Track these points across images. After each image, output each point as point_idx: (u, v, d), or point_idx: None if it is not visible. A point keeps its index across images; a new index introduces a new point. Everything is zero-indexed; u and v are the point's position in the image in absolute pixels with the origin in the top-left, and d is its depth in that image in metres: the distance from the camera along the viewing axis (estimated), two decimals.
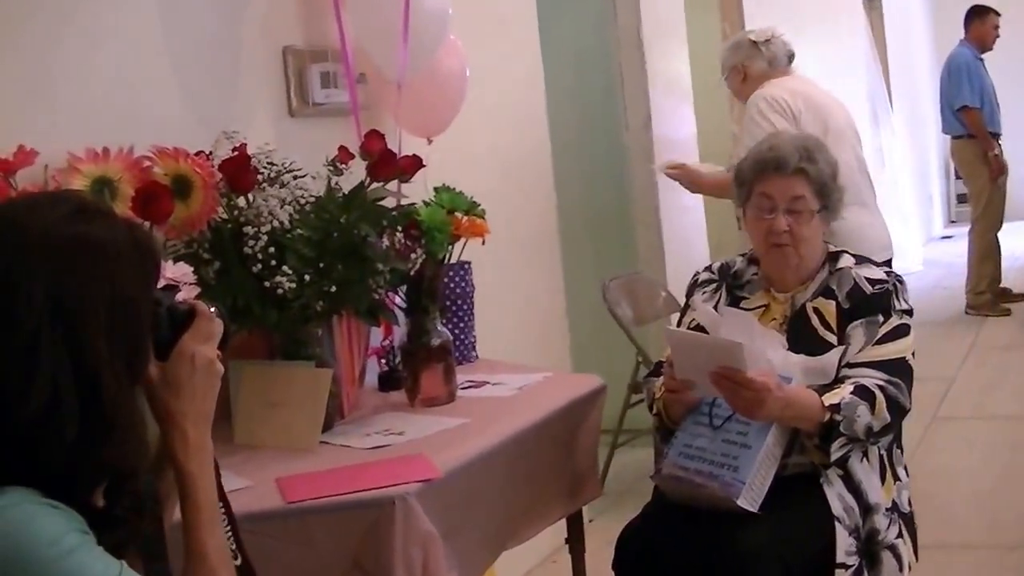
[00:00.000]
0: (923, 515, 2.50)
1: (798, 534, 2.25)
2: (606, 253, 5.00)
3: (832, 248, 2.53)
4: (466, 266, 2.79)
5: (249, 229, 2.15)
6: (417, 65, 2.84)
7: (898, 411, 2.33)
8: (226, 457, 1.89)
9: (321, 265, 2.18)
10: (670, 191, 4.53)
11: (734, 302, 2.53)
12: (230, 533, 1.44)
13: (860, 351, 2.36)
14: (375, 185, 2.38)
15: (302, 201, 2.23)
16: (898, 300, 2.41)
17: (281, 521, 1.84)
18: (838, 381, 2.34)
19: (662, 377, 2.43)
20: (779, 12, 6.88)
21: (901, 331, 2.39)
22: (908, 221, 9.70)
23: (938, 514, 3.73)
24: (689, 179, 4.10)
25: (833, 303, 2.42)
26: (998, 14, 7.55)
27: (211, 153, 2.24)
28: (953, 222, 11.96)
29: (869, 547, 2.32)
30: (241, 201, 2.22)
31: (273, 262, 2.14)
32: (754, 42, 4.00)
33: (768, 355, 2.31)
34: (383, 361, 2.68)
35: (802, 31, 7.34)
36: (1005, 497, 4.13)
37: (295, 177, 2.27)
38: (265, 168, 2.26)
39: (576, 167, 4.88)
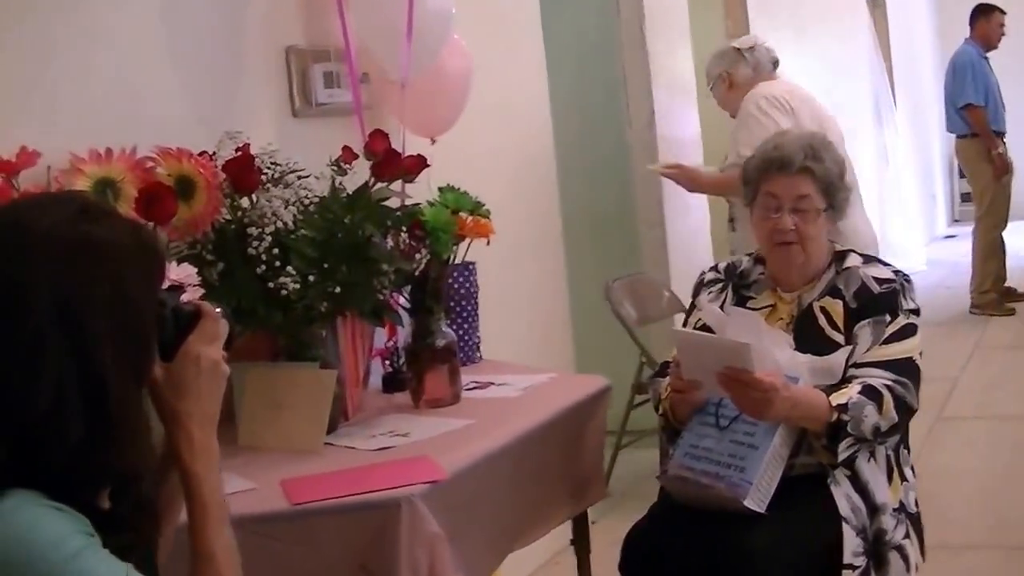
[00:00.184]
0: (926, 515, 2.49)
1: (805, 535, 2.24)
2: (609, 253, 4.99)
3: (839, 247, 2.52)
4: (471, 266, 2.78)
5: (253, 230, 2.14)
6: (421, 65, 2.83)
7: (906, 411, 2.32)
8: (229, 459, 1.88)
9: (325, 266, 2.17)
10: (674, 191, 4.52)
11: (740, 302, 2.52)
12: None
13: (867, 351, 2.35)
14: (379, 185, 2.37)
15: (306, 202, 2.22)
16: (906, 300, 2.40)
17: (286, 523, 1.84)
18: (845, 381, 2.33)
19: (668, 377, 2.42)
20: (783, 9, 6.89)
21: (908, 331, 2.38)
22: (911, 220, 9.68)
23: (941, 514, 3.71)
24: (687, 178, 4.12)
25: (840, 302, 2.41)
26: (1003, 12, 7.54)
27: (214, 153, 2.24)
28: (956, 221, 11.94)
29: (876, 548, 2.31)
30: (245, 202, 2.21)
31: (277, 263, 2.13)
32: (738, 50, 4.12)
33: (775, 355, 2.30)
34: (387, 362, 2.67)
35: (806, 29, 7.36)
36: (1009, 497, 4.12)
37: (299, 177, 2.26)
38: (269, 168, 2.26)
39: (579, 166, 4.87)
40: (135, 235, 1.30)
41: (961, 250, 8.57)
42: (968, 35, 7.57)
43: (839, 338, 2.38)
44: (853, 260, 2.48)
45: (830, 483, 2.29)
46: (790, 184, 2.44)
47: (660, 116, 4.88)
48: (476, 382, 2.59)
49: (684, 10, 5.32)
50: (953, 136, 7.67)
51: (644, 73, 4.86)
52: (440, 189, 2.58)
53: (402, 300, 2.47)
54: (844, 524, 2.26)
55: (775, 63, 4.12)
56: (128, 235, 1.28)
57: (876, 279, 2.42)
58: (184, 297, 1.43)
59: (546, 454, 2.34)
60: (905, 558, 2.34)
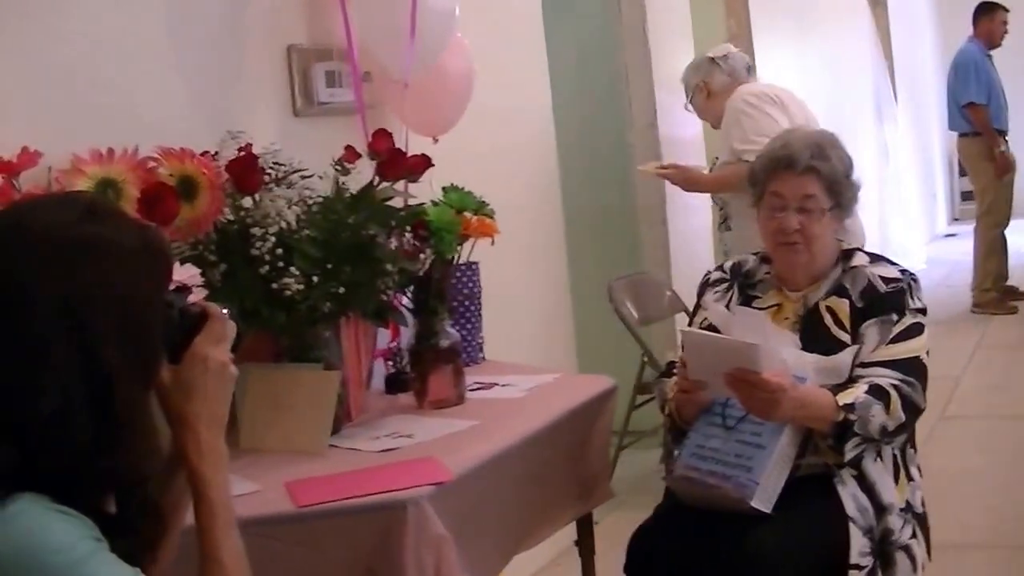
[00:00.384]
0: (929, 515, 2.48)
1: (812, 535, 2.23)
2: (611, 253, 4.98)
3: (845, 246, 2.50)
4: (474, 266, 2.77)
5: (256, 230, 2.13)
6: (423, 64, 2.82)
7: (912, 410, 2.31)
8: (233, 461, 1.86)
9: (329, 266, 2.15)
10: (675, 190, 4.51)
11: (746, 301, 2.51)
12: None
13: (874, 350, 2.34)
14: (383, 185, 2.35)
15: (309, 202, 2.21)
16: (912, 299, 2.39)
17: (291, 526, 1.82)
18: (851, 380, 2.32)
19: (674, 377, 2.41)
20: (784, 8, 6.88)
21: (915, 330, 2.37)
22: (912, 219, 9.68)
23: (944, 514, 3.70)
24: (684, 176, 4.13)
25: (846, 302, 2.40)
26: (1007, 10, 7.53)
27: (216, 153, 2.22)
28: (956, 219, 11.93)
29: (883, 548, 2.30)
30: (247, 202, 2.20)
31: (280, 264, 2.12)
32: (712, 59, 4.26)
33: (782, 354, 2.29)
34: (390, 363, 2.66)
35: (807, 27, 7.35)
36: (1011, 497, 4.11)
37: (302, 177, 2.25)
38: (272, 168, 2.24)
39: (581, 166, 4.86)
40: (142, 236, 1.29)
41: (961, 249, 8.56)
42: (971, 33, 7.56)
43: (845, 337, 2.37)
44: (860, 259, 2.47)
45: (836, 483, 2.28)
46: (795, 183, 2.43)
47: (662, 116, 4.88)
48: (480, 383, 2.58)
49: (686, 10, 5.32)
50: (954, 134, 7.66)
51: (646, 73, 4.86)
52: (444, 189, 2.57)
53: (405, 300, 2.45)
54: (851, 524, 2.25)
55: (749, 68, 4.25)
56: (135, 236, 1.27)
57: (883, 278, 2.41)
58: (192, 298, 1.42)
59: (552, 455, 2.33)
60: (912, 558, 2.34)
